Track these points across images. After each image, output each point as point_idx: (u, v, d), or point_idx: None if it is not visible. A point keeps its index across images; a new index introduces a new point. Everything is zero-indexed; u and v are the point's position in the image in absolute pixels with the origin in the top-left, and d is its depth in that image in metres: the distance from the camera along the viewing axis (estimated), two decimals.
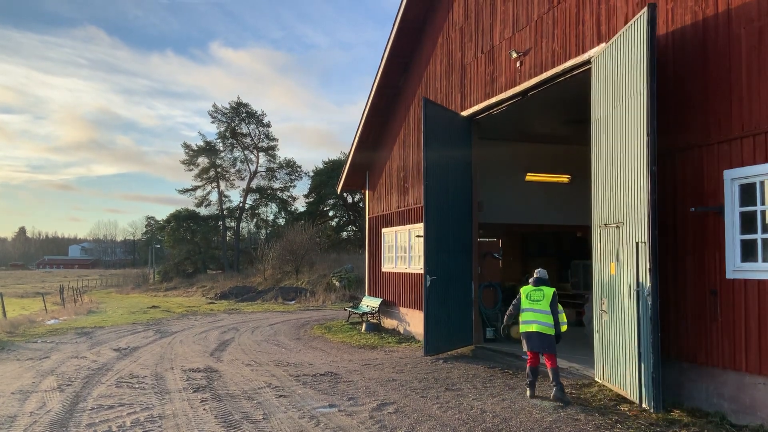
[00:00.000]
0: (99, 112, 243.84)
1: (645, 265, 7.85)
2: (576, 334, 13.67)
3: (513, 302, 9.44)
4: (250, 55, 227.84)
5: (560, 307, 9.09)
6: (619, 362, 8.63)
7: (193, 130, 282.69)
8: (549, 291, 9.04)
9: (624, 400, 8.42)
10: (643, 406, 7.80)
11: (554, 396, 8.59)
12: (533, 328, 8.97)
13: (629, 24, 8.34)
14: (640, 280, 7.97)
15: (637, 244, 8.00)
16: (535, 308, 9.00)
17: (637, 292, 7.99)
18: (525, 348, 9.24)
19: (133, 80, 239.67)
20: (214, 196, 65.99)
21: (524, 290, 9.27)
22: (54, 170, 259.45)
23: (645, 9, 7.87)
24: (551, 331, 8.91)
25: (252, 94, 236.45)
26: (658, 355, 7.70)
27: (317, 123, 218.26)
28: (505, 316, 9.69)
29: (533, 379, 9.00)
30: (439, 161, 13.09)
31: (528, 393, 8.97)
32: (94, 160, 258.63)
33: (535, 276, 9.32)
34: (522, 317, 9.17)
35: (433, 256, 12.70)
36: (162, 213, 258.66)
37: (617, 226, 8.74)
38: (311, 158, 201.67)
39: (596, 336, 9.53)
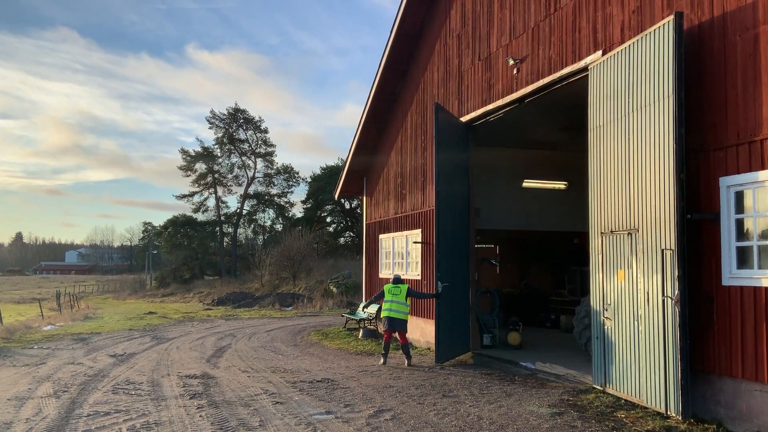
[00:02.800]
0: (90, 117, 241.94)
1: (673, 272, 7.75)
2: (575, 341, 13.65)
3: (376, 295, 13.51)
4: (247, 60, 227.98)
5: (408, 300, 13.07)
6: (631, 370, 8.57)
7: (188, 136, 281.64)
8: (404, 287, 12.97)
9: (621, 407, 8.42)
10: (669, 413, 7.72)
11: (407, 364, 12.29)
12: (391, 314, 12.64)
13: (648, 31, 8.27)
14: (667, 287, 7.90)
15: (662, 251, 7.94)
16: (393, 300, 12.73)
17: (663, 300, 7.93)
18: (383, 328, 12.90)
19: (129, 85, 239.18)
20: (211, 202, 66.10)
21: (387, 287, 12.99)
22: (46, 176, 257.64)
23: (672, 17, 7.81)
24: (404, 317, 12.72)
25: (251, 100, 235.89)
26: (687, 363, 7.61)
27: (307, 128, 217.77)
28: (368, 302, 14.49)
29: (386, 352, 12.67)
30: (446, 167, 13.11)
31: (381, 361, 12.58)
32: (84, 165, 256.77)
33: (393, 277, 13.35)
34: (384, 306, 12.88)
35: (443, 261, 12.67)
36: (153, 218, 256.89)
37: (629, 233, 8.69)
38: (301, 163, 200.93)
39: (596, 343, 9.52)
